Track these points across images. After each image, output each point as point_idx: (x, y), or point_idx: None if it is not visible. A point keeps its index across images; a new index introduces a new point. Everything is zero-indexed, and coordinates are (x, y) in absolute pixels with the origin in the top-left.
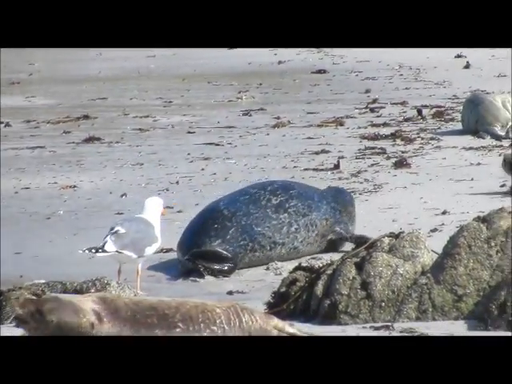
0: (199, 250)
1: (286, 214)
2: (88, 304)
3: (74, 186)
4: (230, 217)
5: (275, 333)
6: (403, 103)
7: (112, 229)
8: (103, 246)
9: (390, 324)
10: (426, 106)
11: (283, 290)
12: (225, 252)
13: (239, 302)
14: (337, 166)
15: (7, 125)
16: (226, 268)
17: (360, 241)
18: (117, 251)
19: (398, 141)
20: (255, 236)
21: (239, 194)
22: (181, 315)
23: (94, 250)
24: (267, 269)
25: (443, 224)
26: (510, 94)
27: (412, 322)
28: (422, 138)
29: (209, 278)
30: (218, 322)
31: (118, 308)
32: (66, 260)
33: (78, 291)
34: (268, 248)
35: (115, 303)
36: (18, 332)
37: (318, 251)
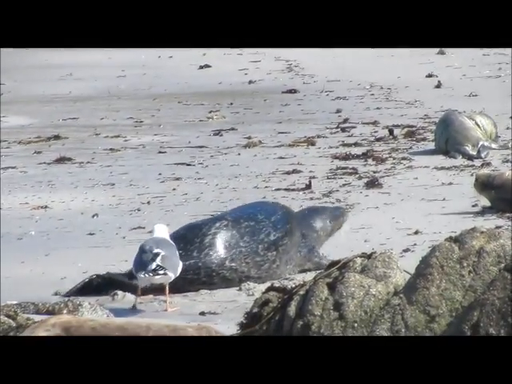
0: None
1: (274, 252)
2: (39, 333)
3: (46, 207)
4: (205, 247)
5: None
6: (374, 123)
7: (151, 251)
8: (156, 269)
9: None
10: (397, 126)
11: (256, 310)
12: (127, 281)
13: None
14: (308, 186)
15: None
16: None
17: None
18: (164, 273)
19: (370, 161)
20: (221, 271)
21: (247, 215)
22: (153, 333)
23: (151, 274)
24: (239, 289)
25: (415, 244)
26: (483, 115)
27: None
28: (394, 158)
29: (183, 299)
30: None
31: (82, 335)
32: (38, 281)
33: (51, 312)
34: (237, 280)
35: (80, 330)
36: None
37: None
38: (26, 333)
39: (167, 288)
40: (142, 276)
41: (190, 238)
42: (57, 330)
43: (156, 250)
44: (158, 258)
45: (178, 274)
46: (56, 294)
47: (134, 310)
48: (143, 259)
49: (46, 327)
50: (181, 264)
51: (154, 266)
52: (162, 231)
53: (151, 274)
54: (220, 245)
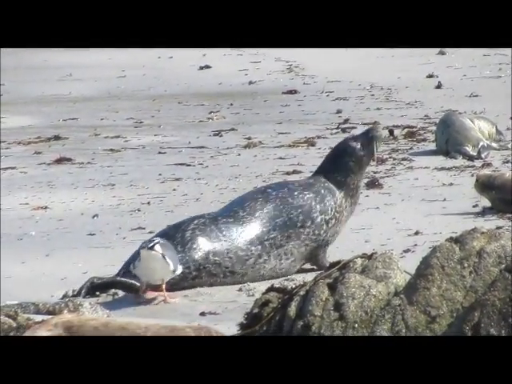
0: (100, 282)
1: (259, 247)
2: (41, 333)
3: (46, 207)
4: (187, 241)
5: None
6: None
7: (151, 241)
8: (153, 245)
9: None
10: (397, 127)
11: (256, 311)
12: (129, 281)
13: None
14: None
15: None
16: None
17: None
18: (162, 254)
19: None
20: (207, 265)
21: (225, 212)
22: (152, 333)
23: (149, 249)
24: (240, 290)
25: (416, 245)
26: (484, 118)
27: None
28: (394, 159)
29: (183, 300)
30: None
31: (83, 335)
32: (38, 281)
33: (51, 312)
34: (222, 276)
35: (81, 330)
36: None
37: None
38: (28, 333)
39: (164, 282)
40: (142, 255)
41: (171, 235)
42: (59, 330)
43: (157, 239)
44: (156, 243)
45: (177, 270)
46: (64, 296)
47: (139, 303)
48: (138, 249)
49: (48, 327)
50: (180, 265)
51: (151, 244)
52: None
53: (149, 249)
54: (201, 238)
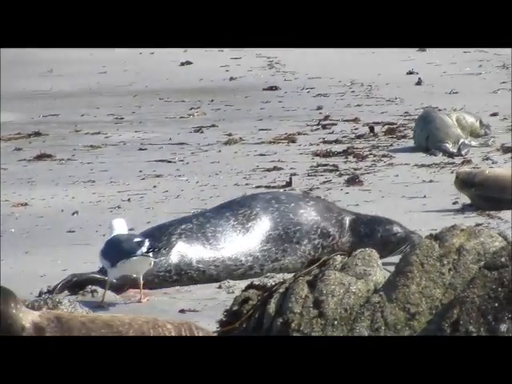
0: (78, 279)
1: (250, 258)
2: (32, 315)
3: (26, 204)
4: (173, 244)
5: None
6: (355, 120)
7: (132, 240)
8: (148, 251)
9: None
10: (378, 123)
11: (236, 308)
12: (101, 277)
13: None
14: (289, 183)
15: None
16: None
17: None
18: (155, 256)
19: (350, 158)
20: (189, 271)
21: (212, 218)
22: (134, 331)
23: (145, 254)
24: (219, 287)
25: None
26: (466, 113)
27: None
28: (374, 155)
29: (163, 297)
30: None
31: (70, 328)
32: (17, 278)
33: (31, 309)
34: (204, 281)
35: (70, 323)
36: None
37: None
38: (22, 315)
39: (141, 279)
40: (135, 258)
41: (157, 236)
42: (50, 316)
43: (139, 239)
44: (146, 242)
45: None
46: (40, 293)
47: (103, 307)
48: (125, 248)
49: (40, 312)
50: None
51: (146, 247)
52: (122, 226)
53: (146, 255)
54: (186, 245)
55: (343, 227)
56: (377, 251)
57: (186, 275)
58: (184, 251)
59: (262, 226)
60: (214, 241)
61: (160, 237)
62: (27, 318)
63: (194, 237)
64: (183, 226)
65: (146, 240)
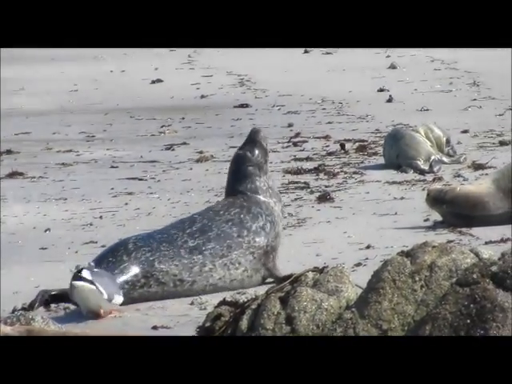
0: (52, 294)
1: (200, 256)
2: (4, 328)
3: None
4: (131, 251)
5: None
6: (326, 137)
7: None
8: (81, 274)
9: None
10: (348, 140)
11: (208, 324)
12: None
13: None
14: None
15: None
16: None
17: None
18: (91, 282)
19: (322, 175)
20: (154, 273)
21: (158, 232)
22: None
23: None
24: (192, 303)
25: (367, 258)
26: (433, 125)
27: None
28: (345, 172)
29: (135, 313)
30: None
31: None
32: None
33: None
34: (171, 285)
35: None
36: None
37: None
38: None
39: (104, 309)
40: (72, 286)
41: (115, 248)
42: (22, 329)
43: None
44: (85, 270)
45: (114, 298)
46: (14, 310)
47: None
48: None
49: (11, 326)
50: (120, 293)
51: (79, 272)
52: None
53: (77, 279)
54: (144, 247)
55: (250, 198)
56: None
57: (152, 277)
58: (143, 253)
59: (199, 230)
60: (166, 243)
61: (117, 247)
62: None
63: (149, 241)
64: (134, 237)
65: (87, 267)
